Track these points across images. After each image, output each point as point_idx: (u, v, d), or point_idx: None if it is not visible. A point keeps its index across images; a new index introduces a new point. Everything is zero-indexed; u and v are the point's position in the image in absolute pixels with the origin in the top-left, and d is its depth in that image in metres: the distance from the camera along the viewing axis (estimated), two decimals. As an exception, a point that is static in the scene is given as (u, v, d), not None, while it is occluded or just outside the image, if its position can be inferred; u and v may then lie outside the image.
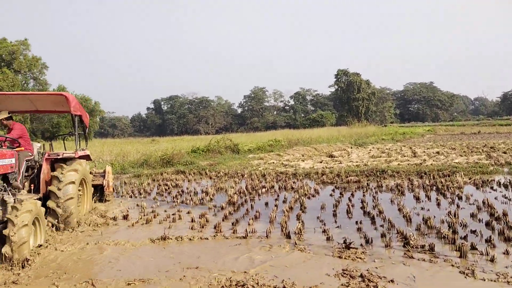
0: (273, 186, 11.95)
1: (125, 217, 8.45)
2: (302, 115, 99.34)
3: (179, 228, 7.63)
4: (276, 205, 9.15)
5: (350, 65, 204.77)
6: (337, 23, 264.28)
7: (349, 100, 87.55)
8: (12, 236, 5.50)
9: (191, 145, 25.34)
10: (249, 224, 7.58)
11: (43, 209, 6.58)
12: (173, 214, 8.50)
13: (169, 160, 18.33)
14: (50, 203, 7.32)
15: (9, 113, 7.77)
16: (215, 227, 7.36)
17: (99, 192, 10.23)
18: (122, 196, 11.42)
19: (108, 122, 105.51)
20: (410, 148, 23.91)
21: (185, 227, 7.62)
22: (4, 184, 6.59)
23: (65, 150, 9.03)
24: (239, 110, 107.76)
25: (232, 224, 7.66)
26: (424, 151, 20.96)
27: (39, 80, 65.36)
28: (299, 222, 7.38)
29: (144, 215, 8.63)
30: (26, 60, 61.86)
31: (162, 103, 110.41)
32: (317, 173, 14.19)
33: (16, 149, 7.27)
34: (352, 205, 8.84)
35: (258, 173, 14.80)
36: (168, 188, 12.55)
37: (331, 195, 10.48)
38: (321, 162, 18.09)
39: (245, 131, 77.55)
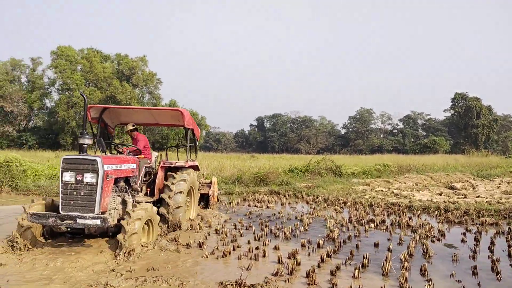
0: (383, 221, 9.73)
1: (200, 245, 6.99)
2: (412, 139, 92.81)
3: (260, 270, 5.89)
4: (389, 249, 7.03)
5: (469, 88, 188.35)
6: (455, 42, 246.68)
7: (467, 126, 79.59)
8: (126, 226, 6.33)
9: (290, 164, 23.76)
10: (354, 277, 5.60)
11: (155, 210, 7.26)
12: (256, 248, 6.84)
13: (263, 179, 16.89)
14: (162, 210, 8.19)
15: (133, 125, 9.03)
16: (307, 276, 5.50)
17: (205, 200, 11.01)
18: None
19: (213, 137, 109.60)
20: (552, 184, 19.61)
21: (268, 270, 5.86)
22: (126, 186, 7.73)
23: (178, 160, 9.92)
24: (343, 131, 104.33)
25: (331, 273, 5.72)
26: None
27: (153, 94, 69.42)
28: (427, 280, 5.24)
29: (222, 245, 7.11)
30: (143, 75, 66.12)
31: (265, 120, 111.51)
32: (438, 208, 11.59)
33: (138, 156, 8.41)
34: (497, 260, 6.39)
35: (364, 202, 12.60)
36: (258, 211, 11.02)
37: (462, 240, 7.99)
38: (440, 194, 15.23)
39: (348, 153, 74.33)
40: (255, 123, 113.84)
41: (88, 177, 6.39)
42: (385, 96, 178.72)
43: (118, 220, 6.88)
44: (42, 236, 6.97)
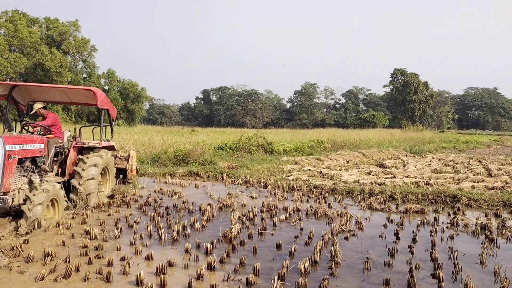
0: (298, 209, 8.58)
1: (45, 257, 5.34)
2: (353, 114, 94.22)
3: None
4: (291, 252, 5.81)
5: (408, 65, 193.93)
6: (395, 20, 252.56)
7: (405, 101, 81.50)
8: (32, 196, 6.49)
9: (229, 139, 22.14)
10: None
11: (62, 192, 7.36)
12: (121, 259, 5.33)
13: (184, 158, 15.35)
14: (74, 181, 8.16)
15: (43, 104, 8.69)
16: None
17: (122, 175, 10.59)
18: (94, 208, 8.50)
19: (157, 109, 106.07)
20: (480, 162, 19.55)
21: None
22: (33, 166, 7.50)
23: (94, 140, 9.52)
24: (288, 105, 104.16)
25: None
26: (499, 168, 16.68)
27: (87, 62, 64.93)
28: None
29: (79, 255, 5.52)
30: (76, 41, 61.36)
31: (211, 93, 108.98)
32: (362, 192, 10.64)
33: (47, 136, 8.21)
34: (416, 267, 5.34)
35: (285, 185, 11.45)
36: (162, 199, 9.54)
37: (381, 235, 6.95)
38: (369, 173, 14.44)
39: (292, 127, 74.05)
40: (201, 95, 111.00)
41: None
42: (330, 72, 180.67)
43: (24, 201, 6.65)
44: None
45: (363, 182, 12.12)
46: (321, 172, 14.24)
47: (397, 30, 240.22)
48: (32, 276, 4.71)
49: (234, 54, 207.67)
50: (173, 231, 6.59)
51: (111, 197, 9.46)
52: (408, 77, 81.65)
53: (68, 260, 5.18)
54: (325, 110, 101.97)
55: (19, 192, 6.87)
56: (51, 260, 5.19)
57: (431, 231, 7.25)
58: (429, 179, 12.96)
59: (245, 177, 12.80)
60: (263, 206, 8.73)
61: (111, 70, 68.11)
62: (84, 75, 64.50)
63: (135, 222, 7.31)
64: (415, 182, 12.38)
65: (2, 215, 7.14)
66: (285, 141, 24.31)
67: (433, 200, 9.95)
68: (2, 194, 6.47)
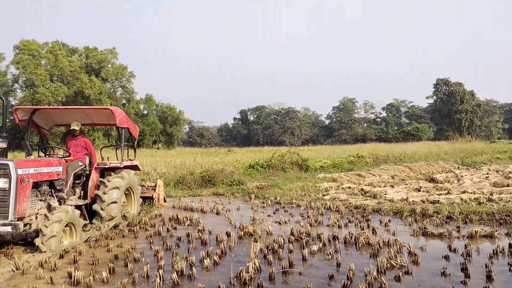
0: (335, 237, 7.04)
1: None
2: (395, 128, 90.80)
3: None
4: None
5: (451, 74, 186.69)
6: (436, 28, 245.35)
7: (450, 112, 77.59)
8: (44, 229, 6.28)
9: (264, 157, 20.75)
10: None
11: (77, 213, 7.05)
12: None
13: (210, 179, 14.11)
14: (96, 206, 8.13)
15: (78, 125, 8.65)
16: None
17: (150, 203, 10.61)
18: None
19: (196, 132, 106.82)
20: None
21: None
22: (51, 190, 7.33)
23: (117, 160, 9.23)
24: (327, 122, 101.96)
25: None
26: None
27: (126, 88, 65.95)
28: None
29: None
30: (113, 68, 62.52)
31: (249, 113, 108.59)
32: (413, 212, 8.97)
33: (66, 158, 8.06)
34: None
35: (320, 206, 9.92)
36: (175, 228, 8.27)
37: (444, 272, 5.28)
38: (419, 189, 12.61)
39: (331, 144, 71.98)
40: (238, 116, 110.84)
41: (1, 182, 6.11)
42: (368, 85, 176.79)
43: (36, 233, 6.49)
44: None
45: (412, 201, 10.38)
46: (362, 189, 12.56)
47: (436, 39, 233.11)
48: None
49: (270, 73, 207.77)
50: (175, 272, 5.26)
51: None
52: (452, 87, 77.99)
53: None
54: (365, 124, 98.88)
55: (36, 217, 6.68)
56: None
57: (509, 263, 5.54)
58: (491, 195, 11.01)
59: (275, 198, 11.37)
60: (292, 234, 7.24)
61: (149, 95, 69.06)
62: (124, 101, 65.46)
63: (134, 259, 6.04)
64: (474, 198, 10.51)
65: (19, 241, 7.01)
66: (323, 157, 22.70)
67: (501, 221, 8.13)
68: (16, 219, 6.20)
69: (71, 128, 8.65)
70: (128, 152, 10.08)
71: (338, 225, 8.11)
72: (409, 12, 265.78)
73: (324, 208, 9.83)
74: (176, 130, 69.48)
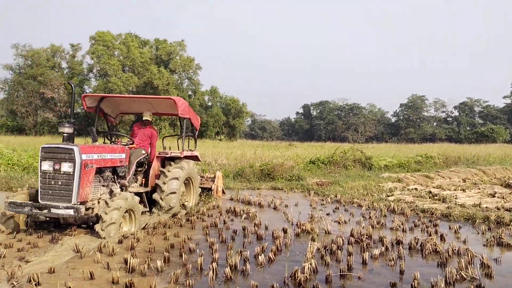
0: (399, 242, 6.59)
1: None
2: (468, 128, 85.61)
3: None
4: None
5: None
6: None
7: (530, 113, 71.86)
8: (104, 215, 6.36)
9: (325, 153, 20.35)
10: None
11: (137, 200, 7.10)
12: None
13: (269, 173, 13.95)
14: (156, 196, 8.31)
15: (151, 116, 9.08)
16: None
17: (208, 194, 10.66)
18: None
19: (258, 125, 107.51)
20: None
21: None
22: (113, 176, 7.53)
23: (178, 150, 9.40)
24: (393, 119, 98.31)
25: None
26: None
27: (192, 80, 67.57)
28: None
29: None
30: (181, 60, 64.25)
31: (312, 108, 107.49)
32: (487, 220, 8.25)
33: (129, 146, 8.27)
34: None
35: (384, 207, 9.42)
36: (232, 220, 8.21)
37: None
38: (493, 195, 11.64)
39: (397, 142, 69.28)
40: (301, 110, 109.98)
41: (66, 166, 6.32)
42: (439, 83, 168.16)
43: (97, 218, 6.61)
44: (26, 225, 7.01)
45: (486, 207, 9.57)
46: (430, 192, 11.82)
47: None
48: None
49: (336, 67, 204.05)
50: (228, 266, 5.14)
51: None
52: (534, 86, 72.06)
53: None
54: (434, 123, 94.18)
55: (98, 202, 6.81)
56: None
57: None
58: None
59: (335, 196, 11.00)
60: (352, 235, 6.88)
61: (213, 87, 70.22)
62: (189, 92, 67.11)
63: (189, 250, 6.02)
64: (559, 208, 9.50)
65: (82, 225, 7.16)
66: (388, 156, 21.77)
67: None
68: (79, 203, 6.38)
69: (144, 118, 8.85)
70: (189, 142, 10.18)
71: (403, 228, 7.61)
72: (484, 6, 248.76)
73: (387, 209, 9.33)
74: (239, 123, 70.23)
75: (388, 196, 11.16)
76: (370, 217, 8.47)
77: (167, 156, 8.89)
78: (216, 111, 65.23)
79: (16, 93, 58.59)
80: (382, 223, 8.01)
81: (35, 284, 4.37)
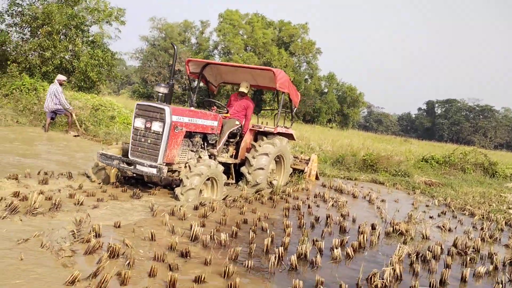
0: (513, 263, 5.36)
1: (111, 250, 4.04)
2: None
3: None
4: None
5: None
6: None
7: None
8: (185, 179, 6.27)
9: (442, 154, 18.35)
10: None
11: (220, 169, 6.89)
12: (197, 281, 3.62)
13: (372, 164, 12.84)
14: (243, 169, 8.06)
15: (248, 88, 8.67)
16: None
17: (299, 176, 10.04)
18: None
19: (374, 117, 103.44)
20: None
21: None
22: (204, 143, 7.48)
23: (274, 126, 8.77)
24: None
25: None
26: None
27: (311, 64, 66.82)
28: None
29: (154, 259, 4.03)
30: (303, 43, 63.74)
31: (436, 105, 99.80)
32: None
33: (224, 115, 8.14)
34: None
35: (502, 219, 7.93)
36: (318, 206, 7.54)
37: None
38: None
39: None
40: (424, 106, 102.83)
41: (156, 125, 6.33)
42: None
43: (180, 182, 6.60)
44: (116, 178, 7.17)
45: None
46: None
47: None
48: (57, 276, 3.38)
49: (469, 63, 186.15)
50: (296, 254, 4.55)
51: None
52: None
53: (131, 262, 3.72)
54: None
55: (185, 166, 6.69)
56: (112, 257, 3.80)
57: None
58: None
59: (445, 200, 9.65)
60: (454, 245, 5.78)
61: (331, 73, 68.71)
62: (306, 76, 66.54)
63: (262, 229, 5.55)
64: None
65: (166, 186, 7.23)
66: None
67: None
68: (164, 164, 6.32)
69: (240, 90, 8.60)
70: (284, 119, 9.82)
71: (519, 246, 6.26)
72: None
73: (506, 223, 7.84)
74: (353, 112, 68.15)
75: (510, 208, 9.47)
76: (482, 229, 7.15)
77: (260, 130, 8.56)
78: (331, 98, 63.90)
79: (148, 63, 63.65)
80: (496, 237, 6.67)
81: (95, 235, 4.26)
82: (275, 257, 4.28)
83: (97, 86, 21.19)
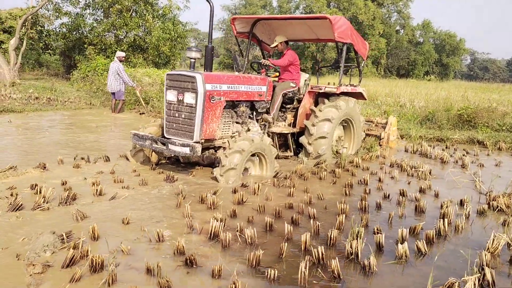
0: None
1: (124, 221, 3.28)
2: None
3: None
4: None
5: None
6: None
7: None
8: (224, 158, 5.40)
9: None
10: None
11: (267, 142, 5.94)
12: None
13: (470, 119, 10.78)
14: (302, 139, 7.04)
15: (286, 38, 7.40)
16: None
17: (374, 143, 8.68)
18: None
19: (479, 64, 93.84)
20: None
21: None
22: (252, 113, 6.56)
23: (340, 85, 7.41)
24: None
25: None
26: None
27: (402, 14, 61.70)
28: None
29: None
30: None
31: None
32: None
33: (272, 77, 7.30)
34: None
35: None
36: (392, 178, 6.20)
37: None
38: None
39: None
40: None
41: (188, 97, 5.47)
42: None
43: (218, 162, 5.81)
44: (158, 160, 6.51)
45: None
46: None
47: None
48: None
49: None
50: (346, 254, 3.43)
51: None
52: None
53: (110, 280, 2.93)
54: None
55: (229, 141, 5.68)
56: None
57: None
58: None
59: None
60: None
61: (426, 21, 62.92)
62: (398, 27, 61.59)
63: (308, 215, 4.45)
64: None
65: (209, 165, 6.25)
66: None
67: None
68: (203, 141, 5.56)
69: (271, 46, 7.49)
70: (350, 75, 8.65)
71: None
72: None
73: None
74: (454, 61, 62.01)
75: None
76: None
77: (320, 91, 7.26)
78: (427, 48, 58.61)
79: (231, 33, 63.45)
80: None
81: (93, 237, 3.55)
82: (306, 264, 3.15)
83: (172, 61, 21.05)
